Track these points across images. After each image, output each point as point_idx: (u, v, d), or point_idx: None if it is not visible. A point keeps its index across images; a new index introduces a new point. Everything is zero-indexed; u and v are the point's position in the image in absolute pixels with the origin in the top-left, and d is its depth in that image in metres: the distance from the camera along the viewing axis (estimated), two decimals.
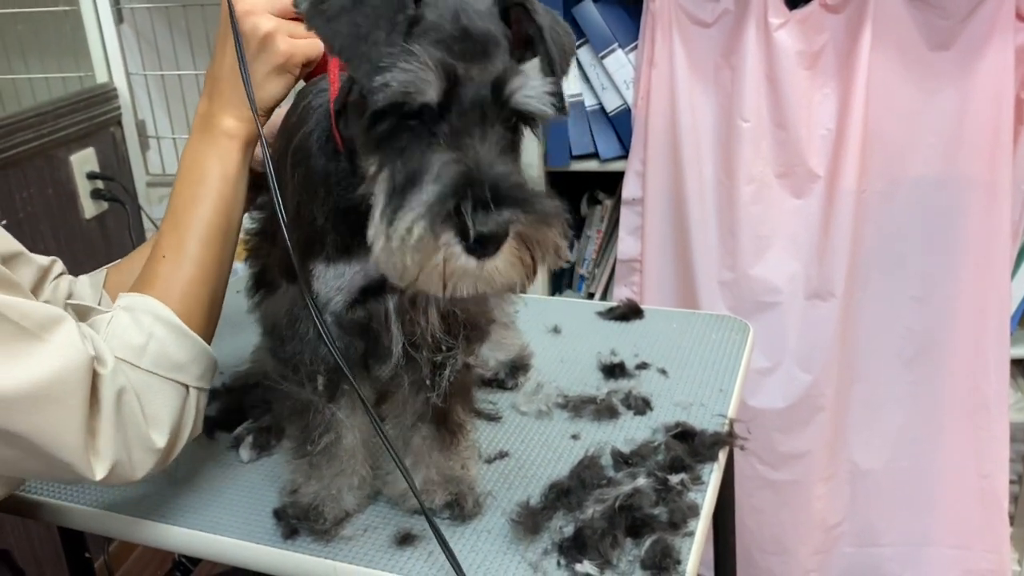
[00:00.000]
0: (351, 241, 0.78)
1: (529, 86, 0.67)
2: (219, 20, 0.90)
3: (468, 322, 0.85)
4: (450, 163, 0.64)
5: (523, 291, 0.69)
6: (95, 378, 0.74)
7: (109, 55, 2.03)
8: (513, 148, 0.70)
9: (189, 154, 0.90)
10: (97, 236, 2.01)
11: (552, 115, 0.69)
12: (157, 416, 0.79)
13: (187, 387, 0.83)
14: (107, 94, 2.03)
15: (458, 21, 0.67)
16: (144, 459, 0.78)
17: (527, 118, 0.69)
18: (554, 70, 0.70)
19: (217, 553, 0.85)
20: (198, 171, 0.89)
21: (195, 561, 1.35)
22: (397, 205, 0.64)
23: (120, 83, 2.05)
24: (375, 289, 0.80)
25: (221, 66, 0.89)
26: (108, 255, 2.02)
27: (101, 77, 2.04)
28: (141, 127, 2.10)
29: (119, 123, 2.08)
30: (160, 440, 0.79)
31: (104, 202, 2.00)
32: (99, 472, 0.75)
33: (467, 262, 0.63)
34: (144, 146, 2.12)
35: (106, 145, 2.04)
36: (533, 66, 0.70)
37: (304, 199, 0.79)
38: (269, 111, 0.91)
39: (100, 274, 1.04)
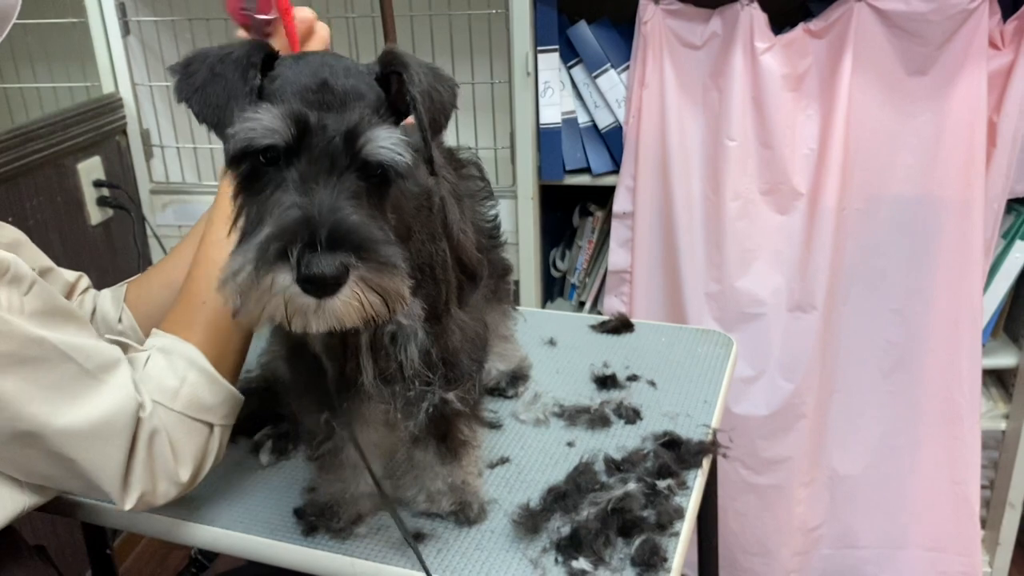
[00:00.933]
0: None
1: (382, 136, 0.68)
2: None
3: (448, 361, 0.87)
4: (290, 206, 0.65)
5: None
6: (137, 421, 0.82)
7: (115, 66, 2.08)
8: (373, 196, 0.70)
9: (225, 200, 0.91)
10: (102, 242, 2.06)
11: (407, 165, 0.69)
12: (184, 453, 0.86)
13: (212, 426, 0.89)
14: (113, 104, 2.08)
15: (317, 76, 0.70)
16: (168, 490, 0.86)
17: (383, 167, 0.69)
18: (422, 129, 0.72)
19: (245, 550, 0.91)
20: None
21: (210, 558, 1.40)
22: (239, 247, 0.67)
23: (126, 93, 2.10)
24: None
25: None
26: (112, 260, 2.08)
27: (107, 87, 2.09)
28: (146, 136, 2.15)
29: (124, 132, 2.12)
30: (185, 475, 0.86)
31: (109, 209, 2.05)
32: (128, 503, 0.83)
33: (305, 301, 0.64)
34: (148, 155, 2.16)
35: (112, 154, 2.09)
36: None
37: None
38: None
39: (121, 289, 1.09)
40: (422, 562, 0.83)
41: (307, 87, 0.69)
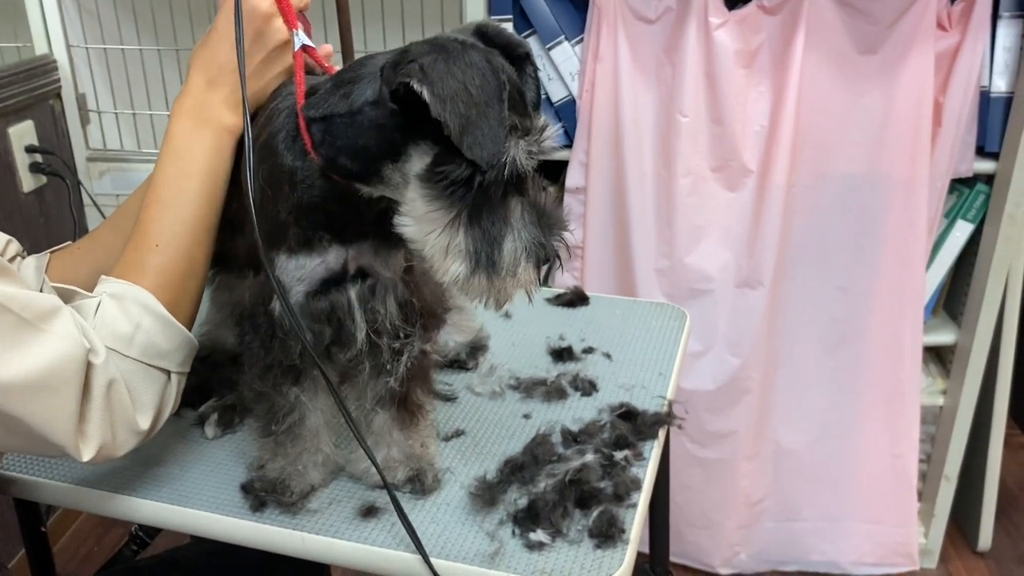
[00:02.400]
0: (312, 235, 0.82)
1: (555, 132, 0.76)
2: None
3: (424, 311, 0.90)
4: (527, 209, 0.75)
5: None
6: (88, 368, 0.77)
7: (49, 26, 1.99)
8: None
9: (181, 140, 0.89)
10: (35, 210, 1.98)
11: None
12: (142, 401, 0.82)
13: (169, 373, 0.85)
14: (46, 66, 2.00)
15: (512, 60, 0.77)
16: (128, 439, 0.81)
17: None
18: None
19: (190, 526, 0.88)
20: (191, 162, 0.89)
21: (152, 534, 1.37)
22: (491, 244, 0.74)
23: (60, 55, 2.02)
24: (336, 280, 0.85)
25: (221, 51, 0.89)
26: (47, 229, 2.00)
27: (40, 48, 2.00)
28: (82, 101, 2.07)
29: (59, 96, 2.04)
30: (144, 423, 0.82)
31: (43, 176, 1.97)
32: (86, 454, 0.78)
33: (534, 282, 0.77)
34: (85, 120, 2.09)
35: (45, 118, 2.01)
36: None
37: (268, 194, 0.82)
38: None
39: (44, 258, 1.02)
40: (409, 529, 0.81)
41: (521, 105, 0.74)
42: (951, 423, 1.94)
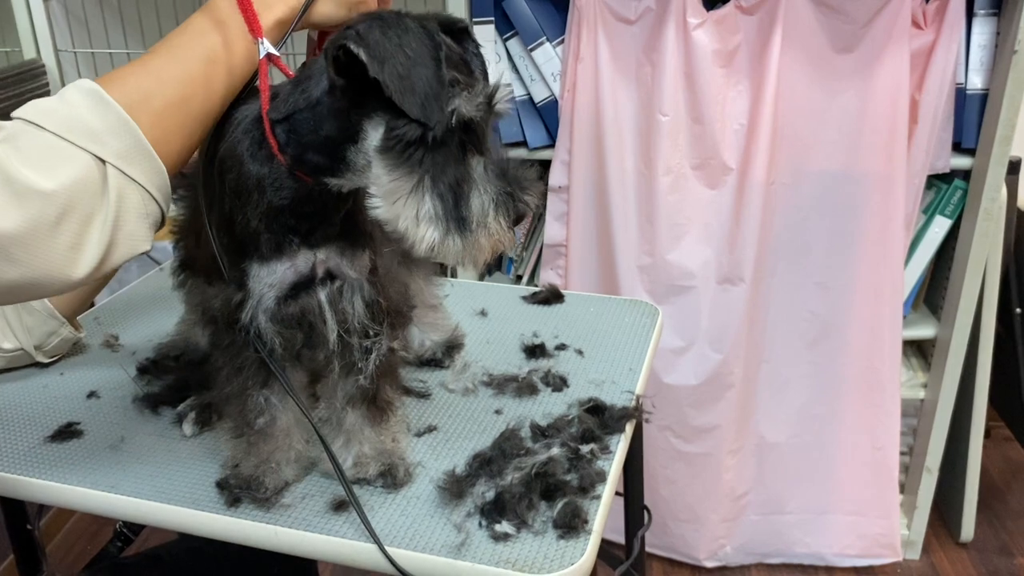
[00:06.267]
0: (282, 239, 0.84)
1: (506, 97, 0.78)
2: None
3: (391, 309, 0.93)
4: (489, 165, 0.77)
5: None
6: None
7: (37, 31, 2.02)
8: None
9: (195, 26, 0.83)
10: None
11: None
12: (54, 169, 0.71)
13: (104, 162, 0.74)
14: (35, 71, 2.02)
15: (452, 35, 0.79)
16: (16, 203, 0.68)
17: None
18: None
19: (166, 521, 0.90)
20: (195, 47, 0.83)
21: (136, 531, 1.39)
22: (458, 204, 0.76)
23: (48, 60, 2.04)
24: (305, 284, 0.87)
25: None
26: None
27: (29, 53, 2.02)
28: None
29: None
30: (47, 183, 0.70)
31: None
32: None
33: (508, 235, 0.78)
34: None
35: None
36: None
37: (236, 204, 0.84)
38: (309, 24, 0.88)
39: None
40: (364, 520, 0.84)
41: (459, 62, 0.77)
42: (932, 416, 1.96)
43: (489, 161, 0.77)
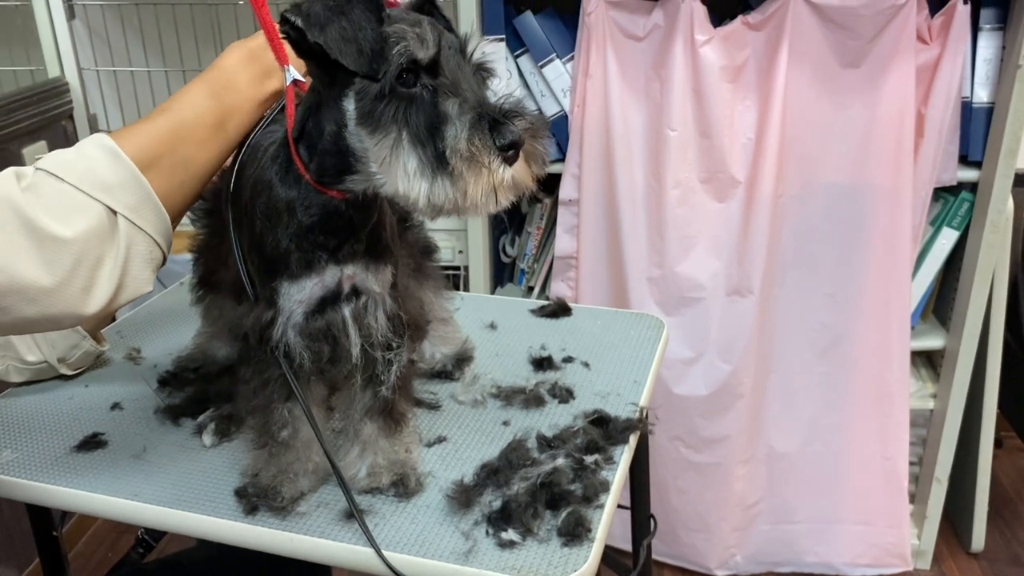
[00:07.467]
0: (312, 256, 0.87)
1: (479, 46, 0.80)
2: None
3: (411, 323, 0.96)
4: (463, 102, 0.75)
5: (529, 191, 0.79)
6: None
7: (61, 50, 2.07)
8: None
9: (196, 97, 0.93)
10: None
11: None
12: (70, 220, 0.78)
13: (115, 213, 0.82)
14: (59, 88, 2.07)
15: (420, 10, 0.81)
16: (39, 252, 0.77)
17: (485, 71, 0.80)
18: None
19: (186, 527, 0.94)
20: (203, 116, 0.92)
21: (157, 538, 1.43)
22: (436, 145, 0.74)
23: (72, 78, 2.09)
24: (331, 299, 0.90)
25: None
26: None
27: (53, 71, 2.08)
28: (93, 121, 2.15)
29: (71, 117, 2.12)
30: (65, 231, 0.78)
31: None
32: None
33: (504, 172, 0.74)
34: None
35: (58, 139, 2.08)
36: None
37: (267, 226, 0.87)
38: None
39: None
40: (364, 528, 0.87)
41: (416, 20, 0.78)
42: (941, 426, 1.98)
43: (465, 99, 0.75)
